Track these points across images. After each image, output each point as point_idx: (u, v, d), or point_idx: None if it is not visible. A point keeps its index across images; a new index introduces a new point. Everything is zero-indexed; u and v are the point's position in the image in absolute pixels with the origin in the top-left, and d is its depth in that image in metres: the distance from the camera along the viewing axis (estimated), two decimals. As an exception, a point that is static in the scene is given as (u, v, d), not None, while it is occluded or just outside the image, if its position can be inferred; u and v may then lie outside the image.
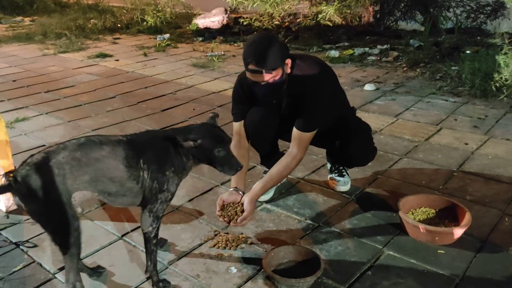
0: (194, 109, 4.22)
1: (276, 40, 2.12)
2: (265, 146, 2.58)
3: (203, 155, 1.90)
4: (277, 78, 2.12)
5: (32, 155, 1.75)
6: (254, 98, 2.33)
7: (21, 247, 2.26)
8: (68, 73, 5.65)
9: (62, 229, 1.72)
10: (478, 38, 6.40)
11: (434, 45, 5.93)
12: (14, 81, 5.30)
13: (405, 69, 5.37)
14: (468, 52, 5.54)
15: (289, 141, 2.70)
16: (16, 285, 1.98)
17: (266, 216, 2.47)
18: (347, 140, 2.43)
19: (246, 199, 2.16)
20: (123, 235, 2.32)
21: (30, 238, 2.30)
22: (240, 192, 2.23)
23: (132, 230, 2.35)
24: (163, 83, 5.11)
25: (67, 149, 1.73)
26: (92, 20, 8.78)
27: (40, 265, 2.11)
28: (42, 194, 1.67)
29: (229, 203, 2.19)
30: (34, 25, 9.18)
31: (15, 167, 2.55)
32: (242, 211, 2.15)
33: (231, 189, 2.24)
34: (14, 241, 2.30)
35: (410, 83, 4.83)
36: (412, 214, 2.36)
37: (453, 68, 5.00)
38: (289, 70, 2.18)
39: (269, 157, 2.64)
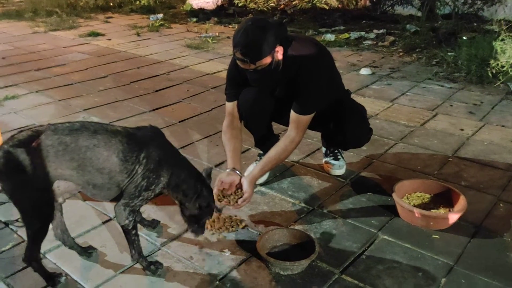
0: (188, 90, 4.16)
1: (267, 28, 2.01)
2: (260, 128, 2.54)
3: (186, 201, 1.90)
4: (265, 65, 2.06)
5: (20, 131, 1.71)
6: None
7: (10, 226, 2.22)
8: (59, 51, 5.54)
9: (32, 212, 1.69)
10: (475, 24, 6.36)
11: (431, 30, 5.88)
12: (3, 58, 5.19)
13: (401, 54, 5.33)
14: (464, 38, 5.51)
15: (284, 124, 2.68)
16: (5, 265, 1.94)
17: (260, 198, 2.44)
18: (342, 121, 2.39)
19: (245, 181, 2.14)
20: (115, 216, 2.28)
21: (20, 217, 2.25)
22: (238, 173, 2.20)
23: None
24: (156, 64, 5.02)
25: (57, 132, 1.68)
26: (83, -2, 8.61)
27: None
28: (17, 174, 1.63)
29: (227, 184, 2.16)
30: (24, 2, 8.97)
31: (4, 145, 2.50)
32: (241, 192, 2.14)
33: (228, 170, 2.20)
34: (3, 220, 2.26)
35: (406, 68, 4.79)
36: (407, 198, 2.35)
37: (449, 53, 4.97)
38: (280, 57, 2.10)
39: (264, 139, 2.60)
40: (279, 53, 2.08)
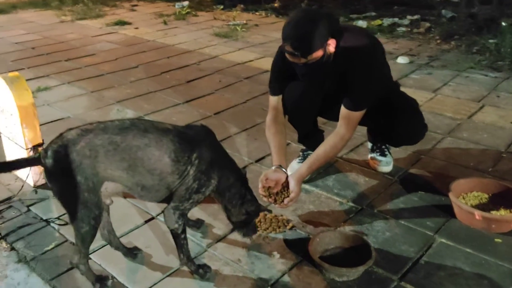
0: (220, 81, 4.06)
1: (319, 19, 1.89)
2: (305, 124, 2.43)
3: (232, 206, 1.85)
4: (317, 59, 1.95)
5: (69, 129, 1.64)
6: (295, 73, 2.16)
7: (52, 224, 2.17)
8: (88, 41, 5.49)
9: (80, 215, 1.61)
10: (514, 9, 6.08)
11: (469, 16, 5.63)
12: (33, 48, 5.17)
13: (438, 41, 5.11)
14: (504, 24, 5.26)
15: (331, 119, 2.57)
16: (49, 265, 1.90)
17: (305, 197, 2.34)
18: (396, 117, 2.25)
19: (292, 180, 2.04)
20: (157, 215, 2.21)
21: (61, 215, 2.20)
22: (284, 170, 2.10)
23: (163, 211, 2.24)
24: (186, 53, 4.93)
25: (107, 131, 1.60)
26: (109, -14, 8.52)
27: (74, 244, 2.01)
28: (67, 175, 1.56)
29: (273, 182, 2.06)
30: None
31: (43, 140, 2.45)
32: (287, 191, 2.04)
33: (274, 167, 2.10)
34: (44, 217, 2.21)
35: (445, 56, 4.59)
36: (464, 198, 2.21)
37: (490, 41, 4.74)
38: (333, 50, 1.98)
39: (309, 136, 2.49)
40: (331, 46, 1.96)
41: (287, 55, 1.97)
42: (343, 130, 2.11)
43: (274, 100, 2.30)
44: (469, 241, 1.98)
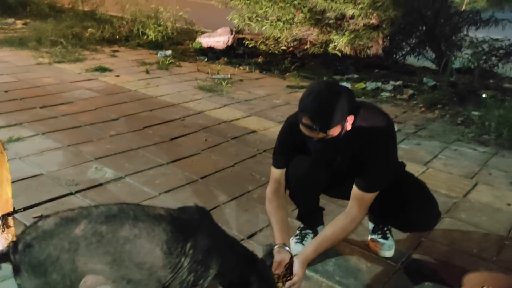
0: (206, 140, 3.89)
1: (342, 94, 1.82)
2: (309, 202, 2.27)
3: None
4: (334, 135, 1.85)
5: (45, 217, 1.41)
6: (304, 147, 2.02)
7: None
8: (65, 87, 5.25)
9: None
10: (491, 81, 6.28)
11: (450, 86, 5.74)
12: (6, 91, 4.88)
13: (422, 109, 5.15)
14: (484, 95, 5.38)
15: (335, 197, 2.43)
16: None
17: (305, 284, 2.13)
18: (408, 202, 2.10)
19: (297, 262, 1.87)
20: None
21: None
22: (288, 250, 1.91)
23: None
24: (170, 106, 4.76)
25: (91, 220, 1.39)
26: (89, 29, 8.39)
27: None
28: (40, 273, 1.33)
29: (275, 263, 1.87)
30: (27, 29, 8.72)
31: (14, 208, 2.17)
32: (290, 273, 1.87)
33: (277, 246, 1.91)
34: (7, 302, 1.92)
35: (431, 126, 4.59)
36: (475, 294, 2.06)
37: (474, 113, 4.80)
38: (349, 127, 1.89)
39: (310, 213, 2.33)
40: (348, 122, 1.85)
41: (302, 128, 1.84)
42: (354, 211, 1.97)
43: (278, 173, 2.15)
44: None
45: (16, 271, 1.35)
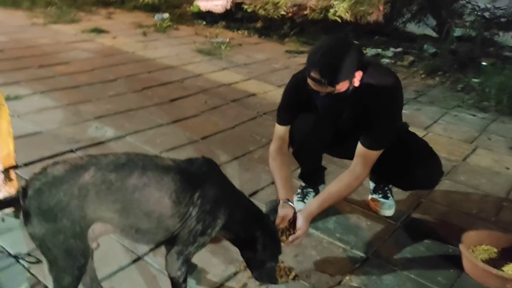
0: (205, 102, 3.86)
1: (352, 49, 1.80)
2: (312, 160, 2.28)
3: (244, 247, 1.70)
4: (342, 90, 1.83)
5: (54, 163, 1.40)
6: (309, 105, 2.01)
7: (21, 261, 1.89)
8: (61, 47, 5.16)
9: (63, 264, 1.38)
10: (491, 49, 6.22)
11: (451, 53, 5.69)
12: (1, 51, 4.80)
13: (423, 76, 5.12)
14: (484, 63, 5.35)
15: (337, 156, 2.43)
16: (18, 314, 1.63)
17: (306, 240, 2.15)
18: (412, 160, 2.10)
19: (301, 217, 1.87)
20: (145, 254, 1.98)
21: (33, 251, 1.92)
22: (292, 205, 1.93)
23: (151, 250, 2.01)
24: (168, 69, 4.70)
25: (100, 167, 1.38)
26: (85, -10, 8.17)
27: (47, 288, 1.75)
28: (50, 219, 1.32)
29: (279, 218, 1.88)
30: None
31: (16, 162, 2.17)
32: (293, 228, 1.87)
33: (282, 201, 1.93)
34: (12, 252, 1.93)
35: (431, 92, 4.57)
36: (473, 252, 2.10)
37: (474, 80, 4.78)
38: (357, 83, 1.87)
39: (311, 172, 2.33)
40: (356, 78, 1.83)
41: (310, 82, 1.82)
42: (359, 169, 1.97)
43: (281, 130, 2.14)
44: (484, 301, 1.86)
45: (26, 218, 1.35)
